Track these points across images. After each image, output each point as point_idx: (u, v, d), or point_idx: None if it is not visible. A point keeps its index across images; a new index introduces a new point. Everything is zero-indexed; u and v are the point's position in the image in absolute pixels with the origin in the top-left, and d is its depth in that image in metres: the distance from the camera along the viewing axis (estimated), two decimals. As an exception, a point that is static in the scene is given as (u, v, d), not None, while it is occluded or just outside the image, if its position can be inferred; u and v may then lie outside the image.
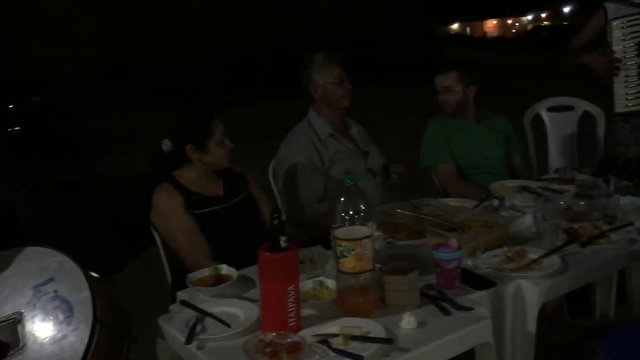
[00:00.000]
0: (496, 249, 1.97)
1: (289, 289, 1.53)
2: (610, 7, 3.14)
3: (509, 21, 56.16)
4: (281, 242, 1.53)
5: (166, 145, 2.36)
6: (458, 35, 49.01)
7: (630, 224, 2.10)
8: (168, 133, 2.38)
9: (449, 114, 3.06)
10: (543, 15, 55.63)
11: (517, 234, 2.14)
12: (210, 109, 2.44)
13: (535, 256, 1.89)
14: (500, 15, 54.69)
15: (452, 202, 2.50)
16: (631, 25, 2.94)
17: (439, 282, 1.76)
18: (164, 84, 13.73)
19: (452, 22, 53.10)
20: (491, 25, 55.69)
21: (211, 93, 9.80)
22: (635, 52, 2.94)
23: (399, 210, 2.26)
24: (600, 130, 3.71)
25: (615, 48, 2.99)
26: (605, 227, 2.08)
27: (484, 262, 1.89)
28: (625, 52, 2.97)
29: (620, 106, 3.06)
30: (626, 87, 3.00)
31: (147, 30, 16.41)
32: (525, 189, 2.54)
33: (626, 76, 2.98)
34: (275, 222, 1.53)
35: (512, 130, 3.24)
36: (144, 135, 5.69)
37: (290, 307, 1.54)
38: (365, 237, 1.60)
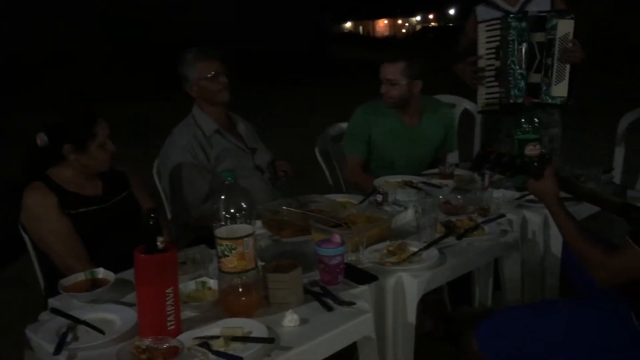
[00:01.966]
0: (379, 243, 2.01)
1: (167, 291, 1.47)
2: (480, 10, 3.28)
3: (399, 21, 58.11)
4: (158, 243, 1.46)
5: (41, 139, 2.20)
6: (351, 33, 50.00)
7: (502, 215, 2.22)
8: (44, 126, 2.22)
9: (390, 106, 3.02)
10: (431, 16, 58.12)
11: (399, 228, 2.21)
12: (94, 108, 2.30)
13: (415, 249, 1.95)
14: (391, 15, 56.49)
15: (338, 197, 2.53)
16: (491, 29, 3.08)
17: (322, 278, 1.76)
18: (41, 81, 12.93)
19: (345, 21, 54.15)
20: (383, 25, 57.34)
21: (92, 91, 9.33)
22: (494, 55, 3.09)
23: (284, 208, 2.25)
24: (478, 127, 3.91)
25: (480, 51, 3.13)
26: (479, 220, 2.18)
27: (367, 257, 1.92)
28: (487, 54, 3.11)
29: (480, 105, 3.23)
30: (486, 87, 3.15)
31: (26, 27, 15.41)
32: (407, 184, 2.62)
33: (488, 77, 3.13)
34: (150, 223, 1.46)
35: (452, 125, 3.28)
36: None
37: (169, 311, 1.48)
38: (247, 236, 1.57)
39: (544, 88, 3.04)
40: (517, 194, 2.42)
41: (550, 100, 3.05)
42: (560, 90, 3.04)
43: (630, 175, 3.44)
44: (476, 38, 3.15)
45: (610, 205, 2.02)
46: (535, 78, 3.05)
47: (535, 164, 1.98)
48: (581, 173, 2.58)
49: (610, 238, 2.28)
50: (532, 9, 3.13)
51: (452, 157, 3.69)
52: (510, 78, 3.04)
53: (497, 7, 3.21)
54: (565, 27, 2.97)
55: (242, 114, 2.99)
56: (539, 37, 3.01)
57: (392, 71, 2.95)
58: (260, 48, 18.59)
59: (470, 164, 2.21)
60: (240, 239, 1.56)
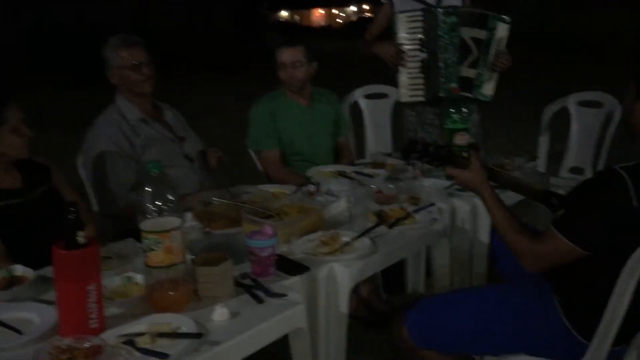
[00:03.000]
0: (311, 234, 2.00)
1: (89, 288, 1.41)
2: (397, 1, 3.26)
3: (335, 11, 58.30)
4: (78, 238, 1.40)
5: None
6: (287, 22, 49.78)
7: (432, 204, 2.26)
8: None
9: (293, 89, 3.03)
10: (366, 7, 58.58)
11: (332, 218, 2.20)
12: (4, 93, 2.17)
13: (348, 239, 1.96)
14: (327, 5, 56.59)
15: (271, 188, 2.51)
16: (413, 21, 3.12)
17: (254, 270, 1.74)
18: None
19: (281, 10, 53.85)
20: (318, 14, 57.37)
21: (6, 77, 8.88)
22: (418, 47, 3.13)
23: (215, 199, 2.20)
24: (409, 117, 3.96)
25: (400, 40, 3.16)
26: (411, 209, 2.21)
27: (299, 248, 1.91)
28: (409, 45, 3.14)
29: (404, 96, 3.26)
30: (409, 78, 3.19)
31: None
32: (340, 173, 2.62)
33: (410, 68, 3.17)
34: (70, 217, 1.40)
35: (341, 111, 3.31)
36: None
37: (91, 308, 1.42)
38: (174, 229, 1.53)
39: (478, 84, 3.11)
40: (447, 183, 2.46)
41: (481, 98, 3.14)
42: (490, 88, 3.15)
43: (553, 163, 3.58)
44: (393, 27, 3.16)
45: (532, 192, 2.09)
46: (470, 73, 3.11)
47: (464, 153, 2.02)
48: (506, 162, 2.66)
49: (535, 224, 2.37)
50: (446, 2, 3.17)
51: (385, 147, 3.74)
52: (442, 71, 3.08)
53: None
54: (502, 31, 3.06)
55: (175, 102, 2.91)
56: (478, 33, 3.07)
57: (296, 54, 2.98)
58: (193, 34, 18.24)
59: (400, 154, 2.23)
60: (167, 232, 1.52)
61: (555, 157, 3.59)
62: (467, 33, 3.07)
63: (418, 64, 3.14)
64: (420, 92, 3.18)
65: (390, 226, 2.07)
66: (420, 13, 3.11)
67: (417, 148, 2.00)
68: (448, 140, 2.54)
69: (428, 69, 3.12)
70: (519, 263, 1.76)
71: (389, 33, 3.27)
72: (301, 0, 52.86)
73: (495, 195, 1.88)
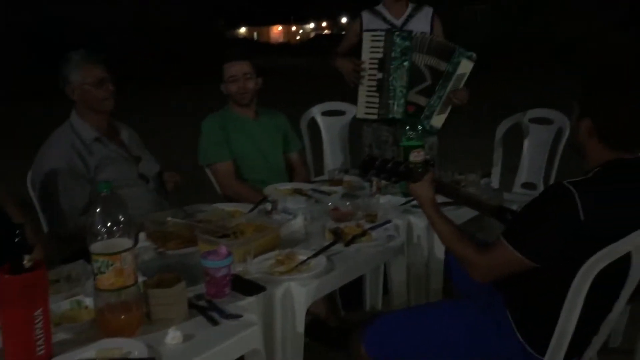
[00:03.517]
0: (268, 253, 1.99)
1: (36, 314, 1.36)
2: (366, 18, 3.36)
3: (294, 28, 58.69)
4: (24, 262, 1.35)
5: None
6: (246, 39, 49.82)
7: (389, 221, 2.27)
8: None
9: (243, 102, 3.04)
10: (324, 24, 59.21)
11: (289, 236, 2.19)
12: None
13: (304, 257, 1.95)
14: (285, 22, 56.95)
15: (227, 207, 2.48)
16: (376, 41, 3.16)
17: (208, 291, 1.71)
18: None
19: (239, 27, 53.90)
20: (277, 31, 57.63)
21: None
22: (376, 66, 3.17)
23: (169, 219, 2.16)
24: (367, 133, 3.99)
25: (363, 57, 3.20)
26: (367, 226, 2.22)
27: (255, 267, 1.89)
28: (369, 63, 3.18)
29: (360, 112, 3.31)
30: (366, 96, 3.23)
31: None
32: (297, 191, 2.62)
33: (368, 86, 3.21)
34: (16, 240, 1.35)
35: (289, 127, 3.31)
36: None
37: (38, 334, 1.37)
38: (125, 251, 1.49)
39: (428, 115, 3.14)
40: (403, 200, 2.49)
41: (427, 128, 3.17)
42: (438, 121, 3.19)
43: (508, 178, 3.65)
44: (360, 44, 3.20)
45: (486, 208, 2.13)
46: (418, 99, 3.14)
47: (420, 169, 2.04)
48: (461, 178, 2.70)
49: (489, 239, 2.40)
50: (413, 25, 3.24)
51: (340, 163, 3.76)
52: (391, 94, 3.12)
53: (382, 18, 3.31)
54: (465, 67, 3.10)
55: (133, 118, 2.86)
56: (439, 64, 3.10)
57: (245, 66, 3.01)
58: (153, 51, 18.07)
59: (358, 171, 2.24)
60: (118, 254, 1.48)
61: (512, 173, 3.66)
62: (423, 60, 3.11)
63: (374, 83, 3.18)
64: (375, 111, 3.22)
65: (347, 244, 2.07)
66: (382, 34, 3.15)
67: (375, 164, 2.01)
68: (404, 158, 2.59)
69: (382, 90, 3.15)
70: (469, 275, 1.78)
71: (358, 48, 3.31)
72: (259, 17, 53.09)
73: (439, 211, 1.91)
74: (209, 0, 24.92)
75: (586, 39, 16.11)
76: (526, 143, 3.61)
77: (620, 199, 1.68)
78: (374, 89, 3.19)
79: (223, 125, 3.04)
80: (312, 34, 49.87)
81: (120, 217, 1.51)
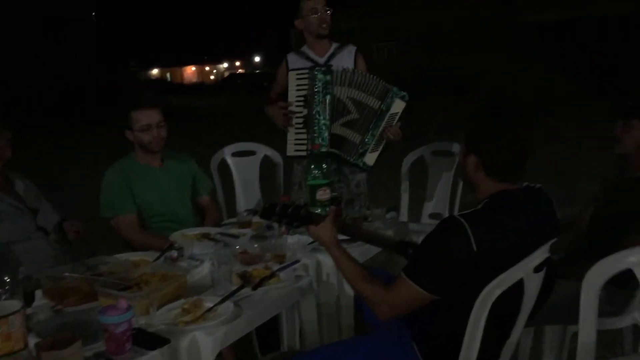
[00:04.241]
0: (173, 302, 1.93)
1: None
2: (291, 58, 3.45)
3: (207, 68, 58.61)
4: None
5: None
6: (158, 80, 49.21)
7: (297, 261, 2.27)
8: None
9: (154, 150, 2.98)
10: (237, 63, 59.53)
11: (195, 283, 2.15)
12: None
13: (210, 305, 1.91)
14: (198, 62, 56.83)
15: (132, 256, 2.40)
16: (301, 79, 3.22)
17: (108, 348, 1.64)
18: None
19: (152, 68, 53.27)
20: (190, 71, 57.35)
21: None
22: (302, 103, 3.22)
23: (67, 274, 2.07)
24: (280, 173, 4.02)
25: (290, 97, 3.25)
26: (275, 267, 2.21)
27: (159, 319, 1.83)
28: (296, 101, 3.23)
29: (290, 150, 3.33)
30: (296, 133, 3.27)
31: None
32: (204, 236, 2.58)
33: (296, 124, 3.25)
34: None
35: (197, 169, 3.28)
36: None
37: None
38: (12, 313, 1.41)
39: (362, 152, 3.20)
40: (311, 239, 2.50)
41: (360, 165, 3.24)
42: (371, 159, 3.24)
43: (416, 210, 3.76)
44: (287, 85, 3.25)
45: (389, 244, 2.18)
46: (342, 131, 3.19)
47: (319, 210, 2.07)
48: (368, 213, 2.75)
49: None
50: (337, 61, 3.33)
51: (255, 204, 3.74)
52: (315, 127, 3.16)
53: (306, 57, 3.39)
54: (398, 107, 3.16)
55: (35, 165, 2.73)
56: (370, 100, 3.15)
57: (157, 114, 2.98)
58: (59, 93, 17.51)
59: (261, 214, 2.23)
60: (4, 318, 1.40)
61: (418, 205, 3.77)
62: (346, 93, 3.15)
63: (301, 120, 3.21)
64: (304, 147, 3.24)
65: (254, 287, 2.05)
66: (306, 71, 3.20)
67: (275, 210, 2.02)
68: (310, 196, 2.61)
69: (308, 125, 3.19)
70: (376, 313, 1.81)
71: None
72: (172, 58, 52.76)
73: (343, 251, 1.94)
74: (120, 42, 24.58)
75: (484, 75, 17.05)
76: (430, 175, 3.75)
77: (508, 228, 1.77)
78: (300, 125, 3.22)
79: (126, 176, 2.95)
80: (226, 73, 49.93)
81: (5, 278, 1.43)
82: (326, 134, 3.16)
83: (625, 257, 1.70)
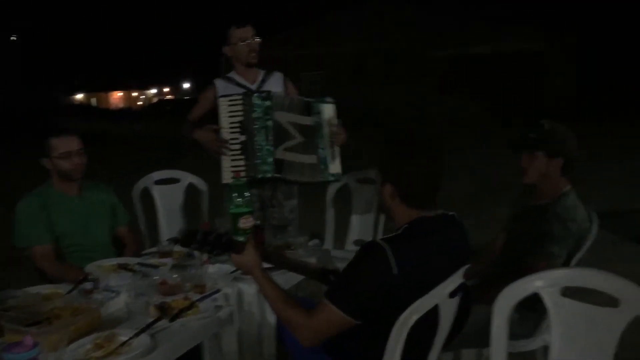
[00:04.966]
0: (86, 337, 1.86)
1: None
2: (220, 85, 3.42)
3: (135, 94, 57.53)
4: None
5: None
6: (82, 105, 47.83)
7: (218, 291, 2.24)
8: None
9: (74, 178, 2.89)
10: (166, 89, 58.78)
11: (110, 316, 2.07)
12: None
13: (125, 338, 1.85)
14: (125, 88, 55.72)
15: (43, 289, 2.30)
16: (234, 105, 3.19)
17: (12, 388, 1.55)
18: None
19: (77, 93, 51.78)
20: (117, 97, 56.11)
21: None
22: (238, 130, 3.19)
23: (-31, 310, 1.95)
24: (205, 201, 3.97)
25: (222, 123, 3.21)
26: (195, 298, 2.16)
27: (70, 355, 1.75)
28: (230, 128, 3.20)
29: (226, 177, 3.26)
30: (232, 160, 3.21)
31: None
32: (122, 266, 2.50)
33: (232, 151, 3.20)
34: None
35: (116, 200, 3.20)
36: None
37: None
38: None
39: (323, 168, 3.22)
40: (233, 267, 2.47)
41: (331, 179, 3.26)
42: (335, 167, 3.28)
43: (342, 237, 3.79)
44: (216, 110, 3.22)
45: (310, 272, 2.19)
46: (286, 155, 3.17)
47: (241, 238, 2.06)
48: (290, 241, 2.76)
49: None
50: (268, 88, 3.34)
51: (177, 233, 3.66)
52: (258, 154, 3.13)
53: (237, 83, 3.38)
54: (329, 111, 3.22)
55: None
56: (305, 120, 3.18)
57: (76, 141, 2.91)
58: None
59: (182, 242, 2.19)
60: None
61: (343, 231, 3.81)
62: (285, 118, 3.16)
63: (238, 146, 3.18)
64: (242, 174, 3.21)
65: (172, 319, 2.00)
66: (240, 97, 3.18)
67: (196, 238, 2.00)
68: (233, 224, 2.59)
69: (248, 152, 3.16)
70: (298, 340, 1.81)
71: (212, 115, 3.31)
72: (98, 83, 51.55)
73: (266, 276, 1.94)
74: (45, 66, 23.83)
75: (404, 107, 17.62)
76: (354, 202, 3.80)
77: (427, 253, 1.82)
78: (238, 152, 3.18)
79: (43, 205, 2.85)
80: (155, 99, 49.17)
81: None
82: (270, 160, 3.13)
83: (531, 282, 1.78)
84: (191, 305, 2.09)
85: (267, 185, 3.30)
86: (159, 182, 3.99)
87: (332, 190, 3.85)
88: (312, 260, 2.66)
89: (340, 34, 22.49)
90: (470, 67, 21.45)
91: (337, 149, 3.29)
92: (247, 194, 2.65)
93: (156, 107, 37.47)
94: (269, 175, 3.13)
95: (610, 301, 1.69)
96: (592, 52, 21.07)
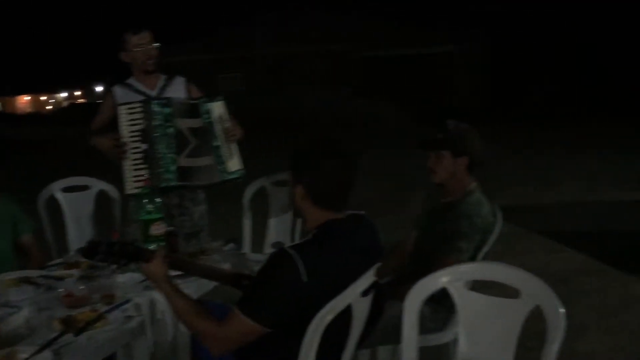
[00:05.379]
0: (-18, 358, 1.75)
1: None
2: (118, 92, 3.27)
3: (44, 97, 54.93)
4: None
5: None
6: (-14, 110, 45.20)
7: (128, 301, 2.16)
8: None
9: None
10: (78, 93, 56.46)
11: (10, 333, 1.95)
12: None
13: (26, 355, 1.75)
14: (33, 91, 53.10)
15: None
16: (133, 113, 3.08)
17: None
18: None
19: (-20, 97, 48.92)
20: (24, 101, 53.39)
21: None
22: (139, 138, 3.09)
23: None
24: (117, 209, 3.83)
25: (123, 132, 3.09)
26: (103, 309, 2.08)
27: (-36, 377, 1.64)
28: (131, 137, 3.09)
29: (129, 188, 3.15)
30: (134, 169, 3.11)
31: None
32: (23, 280, 2.37)
33: (133, 160, 3.10)
34: None
35: (17, 210, 3.04)
36: None
37: None
38: None
39: (221, 168, 3.14)
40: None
41: (229, 177, 3.17)
42: (234, 165, 3.21)
43: (260, 240, 3.76)
44: (116, 119, 3.10)
45: (223, 277, 2.15)
46: (189, 162, 3.10)
47: (153, 246, 2.00)
48: (206, 246, 2.71)
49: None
50: (169, 93, 3.24)
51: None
52: (160, 162, 3.04)
53: (136, 90, 3.25)
54: (218, 109, 3.14)
55: None
56: (194, 123, 3.10)
57: None
58: None
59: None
60: None
61: (260, 235, 3.78)
62: (184, 123, 3.09)
63: (140, 155, 3.07)
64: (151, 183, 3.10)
65: (77, 332, 1.91)
66: (139, 105, 3.07)
67: (100, 249, 1.92)
68: (144, 232, 2.52)
69: (150, 161, 3.06)
70: (208, 349, 1.78)
71: (115, 123, 3.16)
72: (4, 87, 48.92)
73: (173, 286, 1.90)
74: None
75: (325, 108, 17.84)
76: (271, 204, 3.79)
77: (337, 256, 1.83)
78: (140, 161, 3.07)
79: None
80: (65, 103, 47.13)
81: None
82: (174, 168, 3.06)
83: (439, 277, 1.83)
84: (98, 317, 2.01)
85: (173, 194, 3.22)
86: (67, 189, 3.83)
87: (248, 193, 3.82)
88: (227, 265, 2.62)
89: (255, 37, 22.47)
90: (386, 69, 22.00)
91: (234, 146, 3.24)
92: (158, 199, 2.58)
93: (67, 112, 35.92)
94: (173, 184, 3.06)
95: (515, 293, 1.78)
96: (501, 53, 22.04)
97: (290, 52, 22.15)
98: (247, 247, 3.73)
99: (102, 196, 3.86)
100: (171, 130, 3.06)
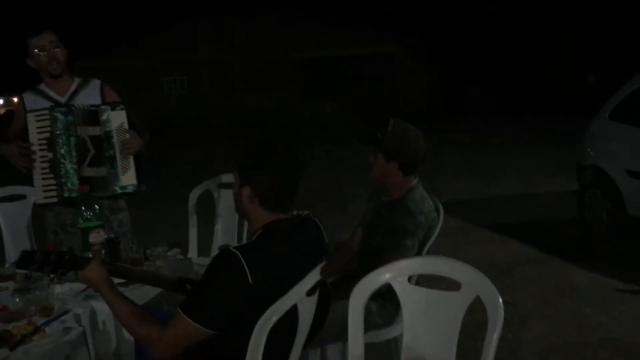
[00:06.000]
0: None
1: None
2: (28, 98, 3.11)
3: (-23, 105, 52.75)
4: None
5: None
6: None
7: (66, 312, 2.10)
8: None
9: None
10: (16, 99, 54.45)
11: (-60, 352, 1.87)
12: None
13: (-44, 376, 1.67)
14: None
15: None
16: (41, 120, 2.97)
17: None
18: None
19: None
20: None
21: None
22: (46, 147, 2.97)
23: None
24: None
25: (31, 140, 2.98)
26: (41, 322, 2.01)
27: None
28: (38, 145, 2.98)
29: (39, 198, 3.05)
30: (43, 179, 3.00)
31: None
32: (-46, 296, 2.26)
33: (42, 169, 2.99)
34: None
35: None
36: None
37: None
38: None
39: (114, 181, 3.02)
40: (84, 285, 2.33)
41: (120, 191, 3.04)
42: (128, 179, 3.06)
43: (208, 243, 3.71)
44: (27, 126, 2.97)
45: (165, 283, 2.11)
46: (90, 172, 3.00)
47: (89, 254, 1.95)
48: (148, 253, 2.65)
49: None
50: (81, 100, 3.10)
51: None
52: (62, 172, 2.94)
53: (45, 96, 3.10)
54: (118, 118, 3.01)
55: None
56: (94, 130, 3.00)
57: None
58: None
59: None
60: None
61: (208, 239, 3.73)
62: (85, 131, 2.99)
63: (47, 165, 2.96)
64: (54, 193, 2.99)
65: (13, 347, 1.84)
66: (47, 112, 2.95)
67: (35, 258, 1.85)
68: (83, 240, 2.45)
69: (55, 170, 2.95)
70: (150, 354, 1.74)
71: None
72: None
73: (115, 291, 1.86)
74: None
75: (268, 111, 17.81)
76: (218, 207, 3.75)
77: (282, 257, 1.82)
78: (47, 170, 2.97)
79: None
80: (2, 110, 45.39)
81: None
82: (75, 179, 2.96)
83: (382, 274, 1.85)
84: (35, 330, 1.94)
85: (85, 201, 3.09)
86: (3, 199, 3.69)
87: (193, 197, 3.77)
88: (171, 270, 2.57)
89: (197, 41, 22.23)
90: (331, 70, 22.13)
91: (130, 159, 3.07)
92: (97, 207, 2.51)
93: (2, 119, 34.59)
94: (75, 195, 2.96)
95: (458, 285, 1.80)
96: (442, 53, 22.45)
97: (233, 55, 22.03)
98: (193, 251, 3.68)
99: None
100: (73, 139, 2.96)
